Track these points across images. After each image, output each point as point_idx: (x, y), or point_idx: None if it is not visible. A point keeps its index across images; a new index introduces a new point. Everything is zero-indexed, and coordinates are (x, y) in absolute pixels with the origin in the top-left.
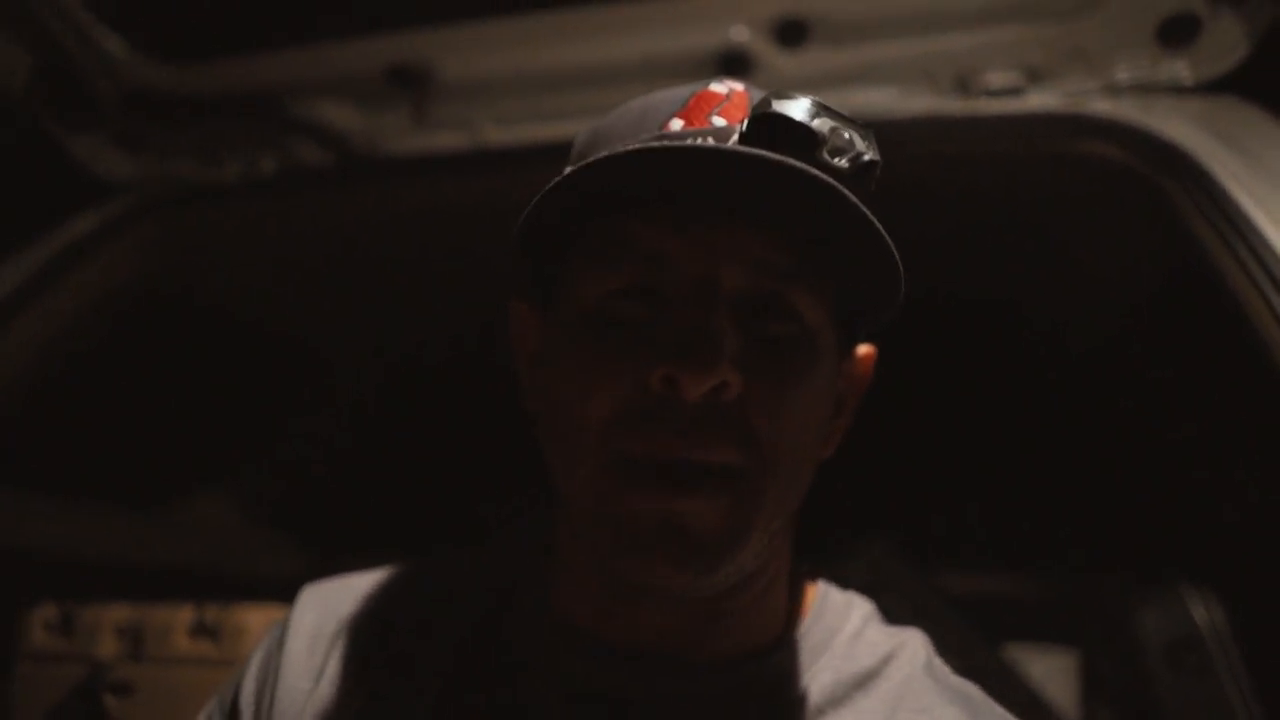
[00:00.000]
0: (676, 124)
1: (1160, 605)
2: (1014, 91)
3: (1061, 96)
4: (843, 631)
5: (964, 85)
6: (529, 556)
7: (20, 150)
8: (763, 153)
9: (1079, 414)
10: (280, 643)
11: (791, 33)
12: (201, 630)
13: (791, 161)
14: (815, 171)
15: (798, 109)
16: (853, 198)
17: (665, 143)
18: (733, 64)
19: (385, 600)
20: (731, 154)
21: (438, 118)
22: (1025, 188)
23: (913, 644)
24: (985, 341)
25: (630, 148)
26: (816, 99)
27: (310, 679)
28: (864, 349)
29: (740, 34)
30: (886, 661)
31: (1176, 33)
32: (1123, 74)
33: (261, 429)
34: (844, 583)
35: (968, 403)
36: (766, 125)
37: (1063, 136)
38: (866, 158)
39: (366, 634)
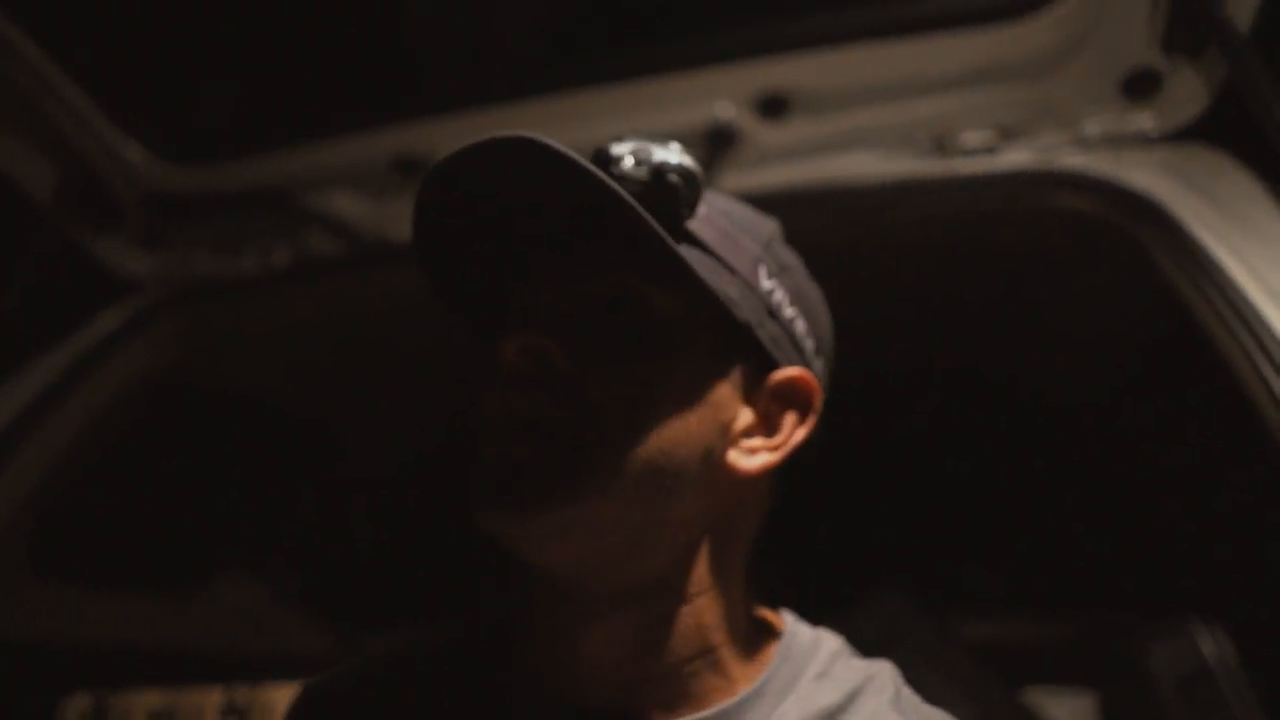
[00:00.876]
0: None
1: (1171, 642)
2: (989, 150)
3: (1034, 152)
4: (808, 671)
5: (941, 146)
6: (510, 621)
7: (51, 256)
8: (520, 133)
9: (1082, 461)
10: None
11: (774, 106)
12: (232, 712)
13: (533, 135)
14: (541, 139)
15: (613, 143)
16: (592, 169)
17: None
18: (719, 138)
19: (375, 689)
20: (501, 140)
21: None
22: (1003, 242)
23: (881, 678)
24: (987, 397)
25: (431, 169)
26: (656, 141)
27: None
28: (792, 371)
29: (725, 110)
30: (853, 697)
31: (1140, 86)
32: (1091, 128)
33: (285, 510)
34: (857, 633)
35: (978, 455)
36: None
37: (1037, 191)
38: (673, 161)
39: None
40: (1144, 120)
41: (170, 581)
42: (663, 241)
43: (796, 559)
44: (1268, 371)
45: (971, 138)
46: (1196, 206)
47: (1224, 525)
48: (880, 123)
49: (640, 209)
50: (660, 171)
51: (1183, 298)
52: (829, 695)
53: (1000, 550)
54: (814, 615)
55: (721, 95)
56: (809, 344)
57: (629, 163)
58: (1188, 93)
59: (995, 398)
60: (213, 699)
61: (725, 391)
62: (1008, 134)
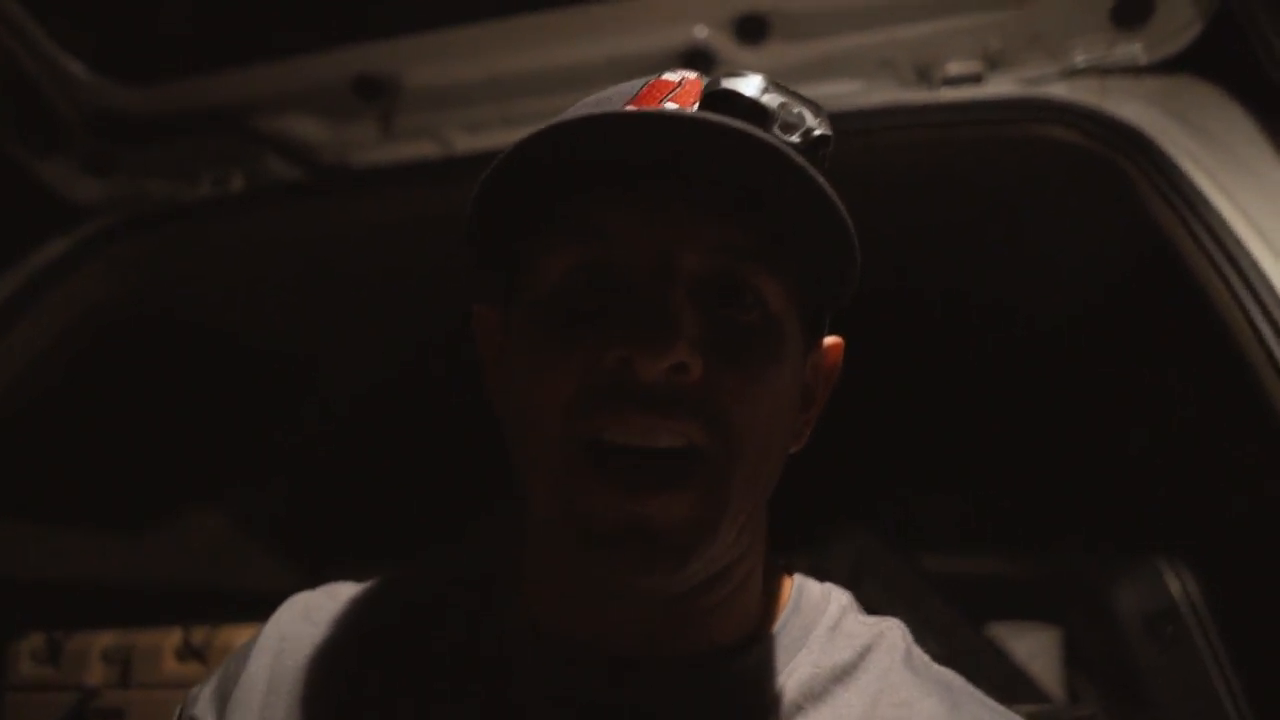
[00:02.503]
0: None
1: (1137, 580)
2: (973, 79)
3: (1020, 82)
4: (820, 625)
5: (925, 74)
6: (501, 562)
7: None
8: (708, 115)
9: (1054, 397)
10: (245, 656)
11: (752, 28)
12: (189, 653)
13: (733, 122)
14: (759, 132)
15: (748, 85)
16: (799, 159)
17: (615, 110)
18: (695, 61)
19: (362, 613)
20: (673, 118)
21: (405, 127)
22: (988, 173)
23: (891, 635)
24: (960, 328)
25: (567, 118)
26: (767, 76)
27: (274, 692)
28: (831, 340)
29: (702, 32)
30: (864, 654)
31: (1130, 14)
32: (1079, 57)
33: (248, 442)
34: (826, 571)
35: (945, 388)
36: (718, 103)
37: (1022, 121)
38: (818, 132)
39: (338, 649)
40: (1133, 50)
41: (128, 518)
42: (849, 236)
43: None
44: (1250, 306)
45: (956, 66)
46: (1183, 140)
47: (1192, 462)
48: (863, 48)
49: (830, 193)
50: (816, 144)
51: (1166, 230)
52: (841, 652)
53: (967, 485)
54: (783, 551)
55: (699, 16)
56: None
57: (783, 122)
58: (1179, 21)
59: (970, 327)
60: (170, 639)
61: (801, 378)
62: (993, 62)
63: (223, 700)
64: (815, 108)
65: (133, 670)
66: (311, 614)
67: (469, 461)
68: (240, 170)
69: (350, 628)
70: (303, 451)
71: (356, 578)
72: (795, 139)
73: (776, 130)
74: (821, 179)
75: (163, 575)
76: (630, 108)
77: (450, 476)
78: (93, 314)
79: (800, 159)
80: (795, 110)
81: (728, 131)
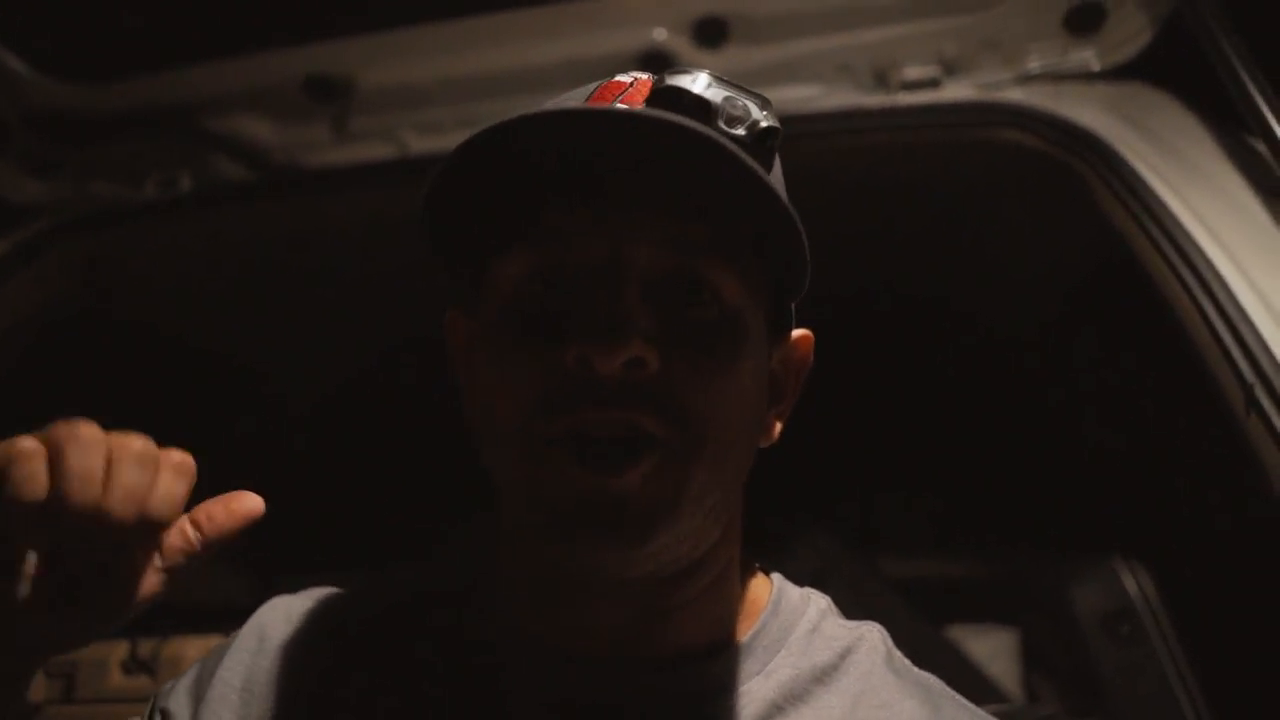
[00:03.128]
0: None
1: (1094, 579)
2: (931, 83)
3: (976, 87)
4: (799, 627)
5: (882, 79)
6: (480, 565)
7: None
8: (644, 110)
9: (1010, 398)
10: (222, 654)
11: (711, 32)
12: (137, 665)
13: (668, 116)
14: (694, 125)
15: (691, 81)
16: (734, 148)
17: (553, 108)
18: (653, 64)
19: (343, 615)
20: (609, 114)
21: (359, 129)
22: (946, 176)
23: (871, 638)
24: (918, 331)
25: (504, 118)
26: (713, 73)
27: (249, 690)
28: (799, 332)
29: (660, 35)
30: (845, 656)
31: (1083, 21)
32: (1034, 63)
33: (197, 450)
34: (788, 572)
35: (902, 391)
36: (664, 100)
37: (978, 125)
38: (764, 124)
39: (317, 649)
40: (1087, 56)
41: None
42: (799, 230)
43: None
44: (1206, 307)
45: (914, 71)
46: (1136, 143)
47: (1148, 462)
48: (821, 53)
49: (771, 185)
50: (762, 137)
51: (1121, 232)
52: (821, 653)
53: (925, 488)
54: (746, 553)
55: (658, 18)
56: None
57: (725, 118)
58: (1130, 29)
59: (926, 331)
60: (117, 652)
61: (766, 368)
62: (950, 68)
63: (197, 698)
64: (762, 100)
65: (77, 685)
66: (292, 615)
67: (425, 470)
68: (188, 171)
69: (331, 630)
70: (254, 459)
71: (311, 588)
72: (740, 131)
73: (721, 124)
74: (758, 168)
75: None
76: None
77: (409, 485)
78: (35, 317)
79: (735, 148)
80: (739, 103)
81: (664, 125)
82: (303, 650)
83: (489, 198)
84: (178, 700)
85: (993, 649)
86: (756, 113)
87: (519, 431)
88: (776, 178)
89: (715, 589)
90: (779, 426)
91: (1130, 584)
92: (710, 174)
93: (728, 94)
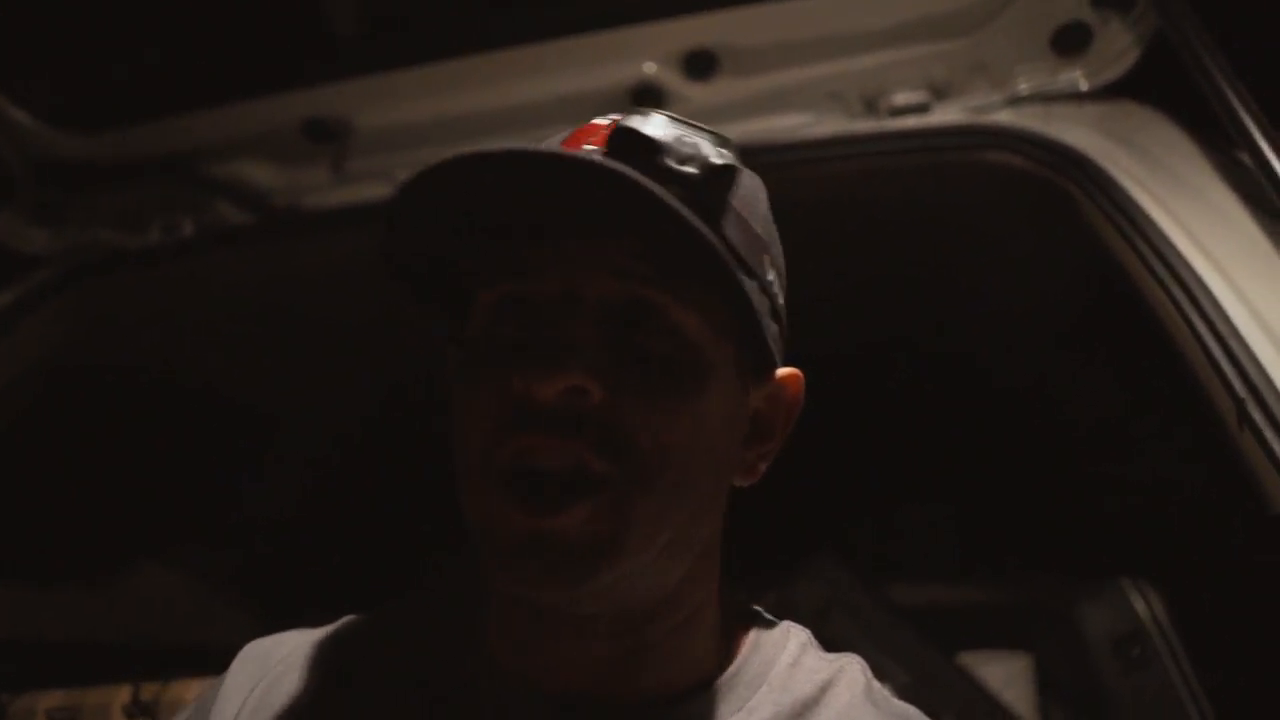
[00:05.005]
0: None
1: (1104, 602)
2: (920, 108)
3: (966, 110)
4: (779, 661)
5: (872, 105)
6: (460, 601)
7: None
8: (568, 152)
9: (1011, 424)
10: (209, 703)
11: (701, 64)
12: (139, 710)
13: (593, 158)
14: (617, 166)
15: (643, 122)
16: (662, 194)
17: (474, 150)
18: (644, 98)
19: (323, 654)
20: (536, 155)
21: (357, 170)
22: (936, 199)
23: (851, 670)
24: (918, 359)
25: (441, 160)
26: (671, 115)
27: None
28: (786, 371)
29: (651, 69)
30: (825, 689)
31: (1070, 41)
32: (1023, 85)
33: (206, 494)
34: (795, 604)
35: (910, 421)
36: (618, 142)
37: (967, 148)
38: (717, 162)
39: (303, 689)
40: (1075, 76)
41: (79, 573)
42: (729, 271)
43: (731, 529)
44: (1197, 323)
45: (902, 96)
46: (1126, 162)
47: (1154, 484)
48: (810, 81)
49: (706, 231)
50: (713, 173)
51: (1113, 251)
52: (802, 687)
53: (935, 516)
54: (755, 584)
55: (648, 52)
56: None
57: (674, 157)
58: (1117, 48)
59: (927, 360)
60: (119, 696)
61: (739, 406)
62: (939, 92)
63: None
64: (717, 139)
65: None
66: (274, 655)
67: (430, 512)
68: (190, 217)
69: (315, 667)
70: (260, 503)
71: (288, 631)
72: (691, 170)
73: (670, 162)
74: (677, 205)
75: (114, 632)
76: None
77: (413, 527)
78: (42, 364)
79: (655, 189)
80: (689, 141)
81: (585, 166)
82: (290, 691)
83: (464, 233)
84: None
85: (1006, 675)
86: (708, 149)
87: (477, 463)
88: (752, 213)
89: (688, 628)
90: (763, 466)
91: (1140, 605)
92: (642, 215)
93: (679, 133)
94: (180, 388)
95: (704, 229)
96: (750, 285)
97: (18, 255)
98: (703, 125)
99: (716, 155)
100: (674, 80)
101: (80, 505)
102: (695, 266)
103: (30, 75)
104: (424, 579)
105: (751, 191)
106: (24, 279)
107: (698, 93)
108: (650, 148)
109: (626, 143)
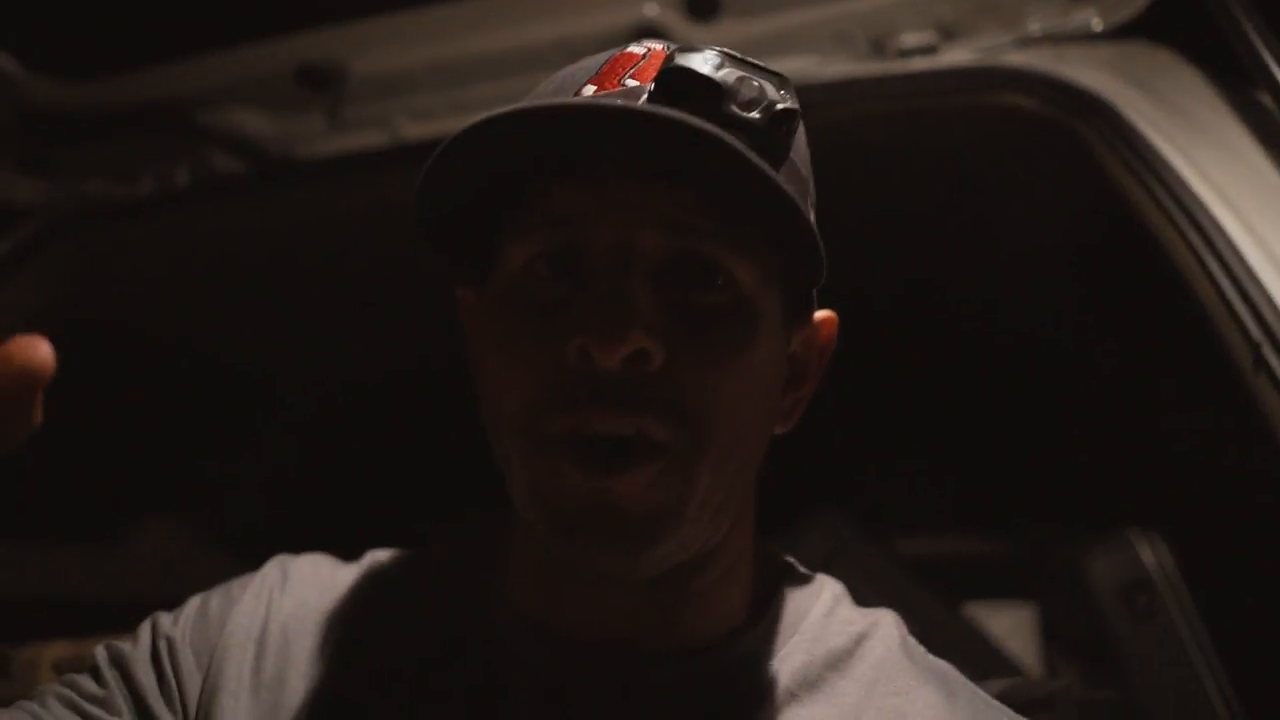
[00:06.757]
0: (589, 90)
1: (1110, 552)
2: (928, 50)
3: (976, 51)
4: (813, 612)
5: (879, 47)
6: (491, 550)
7: None
8: (640, 107)
9: (1021, 374)
10: (234, 600)
11: (703, 5)
12: None
13: (665, 112)
14: (691, 120)
15: (701, 62)
16: (741, 148)
17: (543, 102)
18: (647, 39)
19: (355, 590)
20: (608, 109)
21: (353, 117)
22: (947, 142)
23: (886, 623)
24: (925, 309)
25: (504, 109)
26: (724, 50)
27: (262, 643)
28: (822, 314)
29: (652, 9)
30: (860, 641)
31: None
32: (1034, 25)
33: (206, 450)
34: (799, 554)
35: (913, 369)
36: (672, 81)
37: (979, 89)
38: (781, 106)
39: (330, 622)
40: (1088, 16)
41: (82, 529)
42: (809, 228)
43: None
44: (1213, 266)
45: (911, 38)
46: (1141, 103)
47: (1164, 432)
48: (816, 22)
49: (776, 179)
50: (778, 120)
51: (1127, 194)
52: (835, 638)
53: (938, 465)
54: (759, 534)
55: None
56: None
57: (742, 99)
58: None
59: (935, 307)
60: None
61: (782, 353)
62: (948, 33)
63: (210, 640)
64: (779, 80)
65: None
66: (303, 577)
67: (439, 466)
68: (183, 166)
69: (342, 603)
70: (264, 458)
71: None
72: (754, 115)
73: (733, 108)
74: (762, 164)
75: (120, 586)
76: (589, 87)
77: (414, 484)
78: (34, 320)
79: (738, 145)
80: (754, 84)
81: (660, 121)
82: (316, 623)
83: (495, 180)
84: (181, 633)
85: (1011, 625)
86: (773, 93)
87: (523, 428)
88: (800, 157)
89: (727, 578)
90: (798, 411)
91: (1147, 555)
92: (715, 167)
93: (741, 74)
94: (176, 341)
95: (784, 185)
96: (809, 238)
97: (6, 207)
98: (759, 63)
99: (781, 99)
100: (675, 21)
101: (78, 462)
102: (760, 218)
103: (17, 22)
104: (435, 533)
105: (800, 130)
106: (13, 231)
107: (700, 34)
108: (714, 91)
109: (682, 83)
